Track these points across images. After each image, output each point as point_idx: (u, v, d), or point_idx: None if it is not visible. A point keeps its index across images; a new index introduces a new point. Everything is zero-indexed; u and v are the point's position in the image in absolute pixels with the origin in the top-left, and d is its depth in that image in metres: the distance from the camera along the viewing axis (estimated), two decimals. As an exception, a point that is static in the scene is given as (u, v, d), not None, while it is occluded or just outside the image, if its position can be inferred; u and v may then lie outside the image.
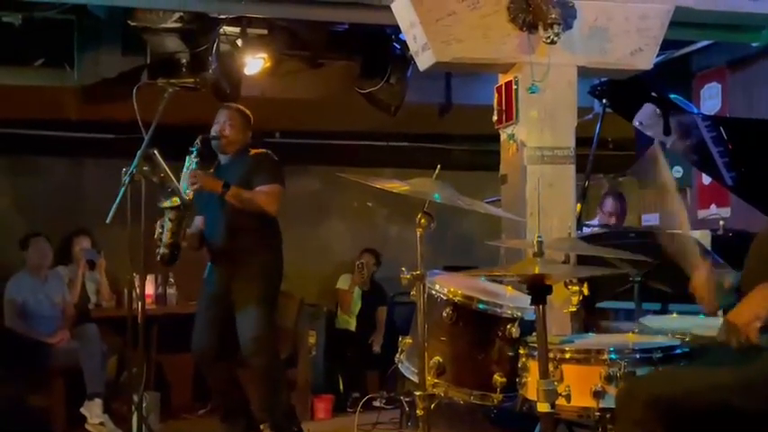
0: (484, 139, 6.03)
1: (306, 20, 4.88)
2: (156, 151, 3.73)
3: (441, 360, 2.98)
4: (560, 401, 2.51)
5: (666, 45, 4.55)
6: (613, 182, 6.50)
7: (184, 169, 4.03)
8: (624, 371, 2.52)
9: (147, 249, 3.67)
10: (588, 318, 3.80)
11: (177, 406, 5.99)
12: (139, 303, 3.79)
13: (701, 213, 5.97)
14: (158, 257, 4.01)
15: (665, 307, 3.86)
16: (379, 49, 5.45)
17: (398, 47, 5.34)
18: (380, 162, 7.11)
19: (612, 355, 2.56)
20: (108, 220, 3.48)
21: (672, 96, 4.91)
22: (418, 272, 2.87)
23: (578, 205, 4.47)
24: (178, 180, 3.93)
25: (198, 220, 4.38)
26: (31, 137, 6.46)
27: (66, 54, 5.03)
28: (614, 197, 5.73)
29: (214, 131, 4.26)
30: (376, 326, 6.58)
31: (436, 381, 2.97)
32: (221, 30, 5.06)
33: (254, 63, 5.32)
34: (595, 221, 5.78)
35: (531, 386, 2.67)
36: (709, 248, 4.10)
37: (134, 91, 3.72)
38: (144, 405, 3.86)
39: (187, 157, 4.04)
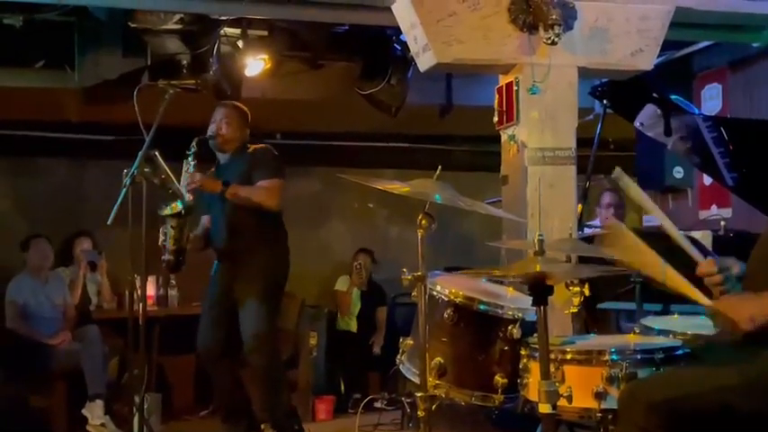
0: (485, 140, 6.03)
1: (306, 21, 4.87)
2: (156, 153, 3.73)
3: (442, 361, 2.98)
4: (562, 402, 2.51)
5: (667, 46, 4.55)
6: (615, 182, 6.49)
7: (183, 173, 4.03)
8: (626, 372, 2.52)
9: (148, 251, 3.67)
10: (589, 319, 3.79)
11: (178, 407, 5.99)
12: (141, 305, 3.79)
13: (702, 214, 5.96)
14: (164, 265, 4.01)
15: (666, 308, 3.86)
16: (380, 50, 5.44)
17: (399, 48, 5.34)
18: (381, 163, 7.11)
19: (614, 356, 2.56)
20: (109, 222, 3.48)
21: (672, 97, 4.91)
22: (419, 273, 2.87)
23: (579, 206, 4.47)
24: (178, 182, 3.93)
25: (205, 220, 4.38)
26: (32, 138, 6.46)
27: (67, 56, 5.03)
28: (612, 191, 5.75)
29: (211, 131, 4.26)
30: (376, 326, 6.58)
31: (437, 382, 2.97)
32: (222, 31, 5.06)
33: (255, 64, 5.32)
34: (596, 222, 5.78)
35: (533, 387, 2.67)
36: (710, 249, 4.10)
37: (135, 92, 3.72)
38: (145, 406, 3.86)
39: (184, 161, 4.04)
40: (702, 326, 2.85)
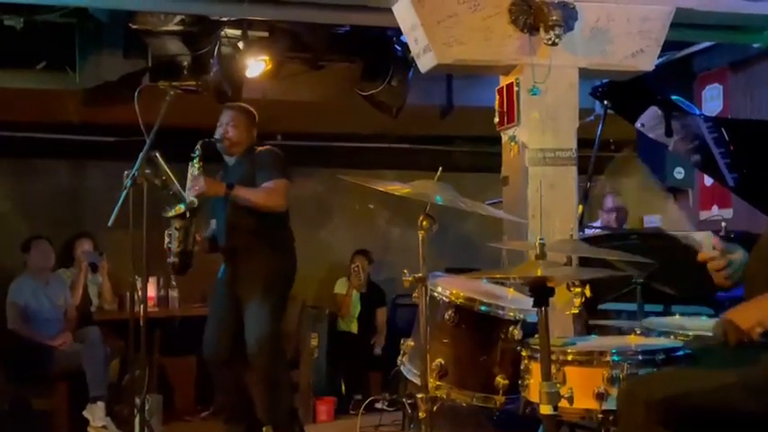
0: (485, 141, 6.03)
1: (307, 22, 4.87)
2: (157, 154, 3.74)
3: (443, 362, 2.98)
4: (563, 404, 2.50)
5: (668, 46, 4.55)
6: (616, 184, 6.49)
7: (188, 175, 4.02)
8: (627, 373, 2.52)
9: (148, 252, 3.67)
10: (590, 320, 3.79)
11: (180, 408, 6.00)
12: (141, 306, 3.79)
13: (703, 215, 5.97)
14: (170, 267, 4.00)
15: (667, 308, 3.86)
16: (381, 51, 5.44)
17: (400, 49, 5.34)
18: (382, 164, 7.11)
19: (615, 357, 2.56)
20: (110, 224, 3.48)
21: (673, 98, 4.91)
22: (420, 274, 2.87)
23: (580, 207, 4.47)
24: (180, 184, 3.92)
25: (213, 223, 4.36)
26: (33, 140, 6.47)
27: (68, 57, 5.04)
28: (615, 195, 5.76)
29: (217, 134, 4.24)
30: (377, 328, 6.58)
31: (438, 383, 2.97)
32: (222, 32, 5.06)
33: (256, 65, 5.32)
34: (597, 223, 5.78)
35: (534, 388, 2.67)
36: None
37: (136, 94, 3.72)
38: (146, 408, 3.86)
39: (189, 164, 4.02)
40: (703, 327, 2.85)
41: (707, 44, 5.51)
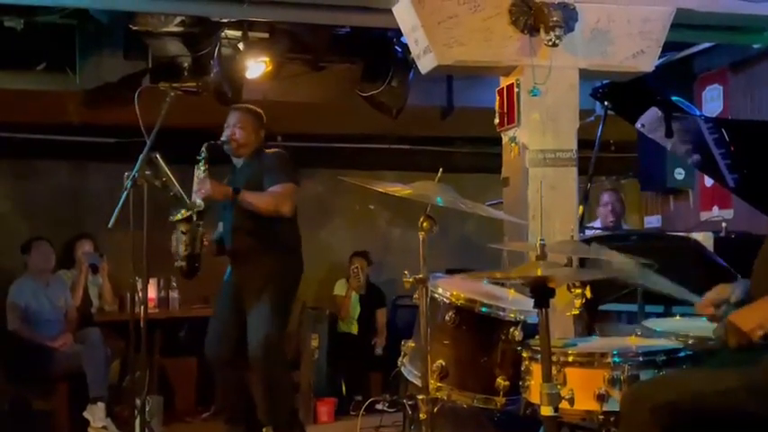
0: (486, 142, 6.03)
1: (307, 23, 4.87)
2: (158, 155, 3.73)
3: (444, 363, 2.97)
4: (564, 405, 2.50)
5: (668, 47, 4.55)
6: (615, 184, 6.51)
7: (195, 179, 4.01)
8: (628, 374, 2.52)
9: (149, 253, 3.67)
10: (591, 320, 3.79)
11: (180, 409, 6.00)
12: (142, 307, 3.79)
13: (704, 215, 5.97)
14: (179, 272, 4.00)
15: (667, 309, 3.86)
16: (381, 52, 5.44)
17: (400, 50, 5.34)
18: (382, 165, 7.12)
19: (616, 359, 2.56)
20: (110, 225, 3.48)
21: (674, 98, 4.91)
22: (421, 275, 2.87)
23: (580, 207, 4.47)
24: (181, 185, 3.91)
25: (221, 226, 4.34)
26: (34, 141, 6.47)
27: (68, 58, 5.04)
28: (613, 192, 5.78)
29: (224, 136, 4.21)
30: (377, 328, 6.58)
31: (439, 384, 2.96)
32: (223, 33, 5.06)
33: (256, 66, 5.32)
34: (597, 223, 5.79)
35: (535, 390, 2.67)
36: (712, 250, 4.10)
37: (136, 95, 3.72)
38: (147, 409, 3.86)
39: (195, 166, 4.00)
40: (704, 328, 2.84)
41: (707, 45, 5.51)
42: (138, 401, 3.79)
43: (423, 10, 3.92)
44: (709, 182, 5.82)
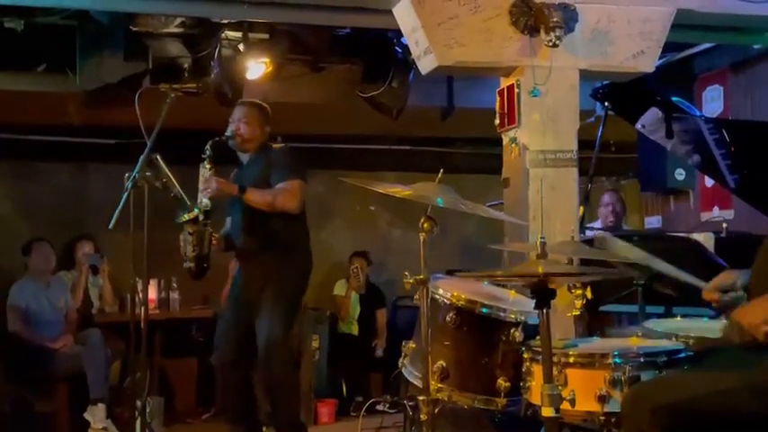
0: (486, 143, 6.03)
1: (308, 24, 4.87)
2: (158, 156, 3.73)
3: (444, 364, 2.97)
4: (565, 406, 2.50)
5: (668, 47, 4.55)
6: (616, 184, 6.51)
7: (200, 177, 3.99)
8: (629, 375, 2.52)
9: (149, 254, 3.67)
10: (592, 321, 3.79)
11: (181, 411, 6.00)
12: (142, 308, 3.79)
13: (704, 216, 5.96)
14: (187, 272, 3.98)
15: (668, 310, 3.85)
16: (382, 53, 5.44)
17: (400, 51, 5.34)
18: (383, 166, 7.12)
19: (617, 360, 2.56)
20: (110, 226, 3.48)
21: (674, 99, 4.91)
22: (421, 276, 2.87)
23: (581, 208, 4.47)
24: (182, 186, 3.91)
25: (229, 221, 4.30)
26: (34, 142, 6.47)
27: (69, 59, 5.04)
28: (613, 192, 5.78)
29: (229, 131, 4.18)
30: (377, 329, 6.58)
31: (440, 385, 2.96)
32: (223, 34, 5.06)
33: (257, 67, 5.32)
34: (598, 224, 5.78)
35: (536, 391, 2.67)
36: (713, 251, 4.10)
37: (136, 96, 3.72)
38: (147, 410, 3.86)
39: (200, 165, 3.99)
40: (705, 328, 2.84)
41: (707, 45, 5.51)
42: (138, 403, 3.79)
43: (423, 11, 3.92)
44: (709, 182, 5.82)
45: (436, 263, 3.05)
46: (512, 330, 2.95)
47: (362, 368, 6.33)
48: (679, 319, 3.23)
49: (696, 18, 4.34)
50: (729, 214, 5.66)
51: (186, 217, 3.87)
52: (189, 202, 3.90)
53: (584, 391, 2.56)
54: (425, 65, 4.10)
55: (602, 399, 2.54)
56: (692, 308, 3.51)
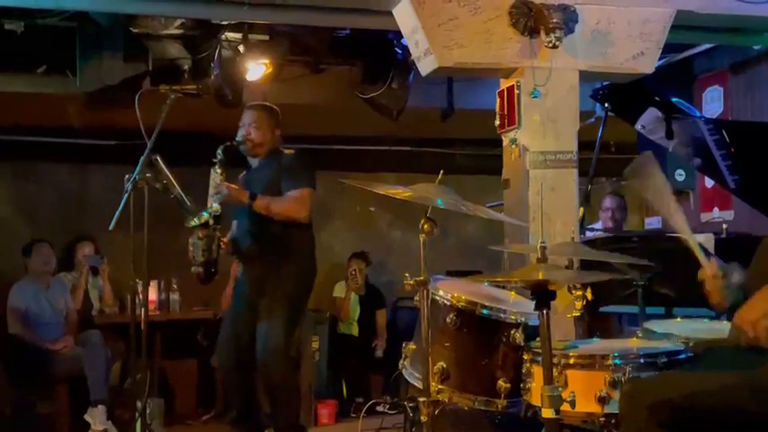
0: (486, 144, 6.03)
1: (308, 25, 4.87)
2: (158, 157, 3.73)
3: (445, 366, 2.97)
4: (565, 407, 2.50)
5: (668, 48, 4.55)
6: (615, 185, 6.50)
7: (211, 181, 3.98)
8: (629, 376, 2.52)
9: (149, 255, 3.67)
10: (592, 322, 3.79)
11: (181, 412, 6.00)
12: (142, 309, 3.79)
13: (704, 217, 5.96)
14: (195, 277, 3.98)
15: (669, 311, 3.86)
16: (381, 54, 5.44)
17: (400, 52, 5.34)
18: (383, 167, 7.12)
19: (617, 361, 2.56)
20: (110, 228, 3.48)
21: (674, 100, 4.91)
22: (422, 277, 2.87)
23: (581, 209, 4.47)
24: (182, 188, 3.90)
25: (235, 224, 4.29)
26: (34, 143, 6.48)
27: (69, 61, 5.03)
28: (613, 195, 5.77)
29: (239, 136, 4.16)
30: (377, 330, 6.58)
31: (440, 386, 2.96)
32: (223, 36, 5.06)
33: (257, 69, 5.32)
34: (598, 225, 5.78)
35: (536, 392, 2.67)
36: (713, 252, 4.09)
37: (136, 97, 3.72)
38: (148, 411, 3.87)
39: (212, 169, 3.97)
40: (705, 329, 2.85)
41: (707, 46, 5.50)
42: (138, 404, 3.80)
43: (423, 12, 3.93)
44: (709, 183, 5.82)
45: (436, 264, 3.05)
46: (512, 331, 2.94)
47: (363, 369, 6.33)
48: (679, 320, 3.23)
49: (696, 19, 4.34)
50: (729, 215, 5.65)
51: (196, 222, 3.86)
52: (189, 204, 3.89)
53: (584, 393, 2.56)
54: (425, 66, 4.10)
55: (603, 400, 2.54)
56: (692, 309, 3.51)
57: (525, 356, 2.80)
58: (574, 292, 2.98)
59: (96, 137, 6.49)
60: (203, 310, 6.17)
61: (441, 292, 3.02)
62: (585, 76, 4.17)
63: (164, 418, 5.29)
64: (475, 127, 5.66)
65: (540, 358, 2.57)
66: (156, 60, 5.08)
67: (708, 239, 4.27)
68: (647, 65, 4.20)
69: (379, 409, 5.50)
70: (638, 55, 4.16)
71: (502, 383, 2.94)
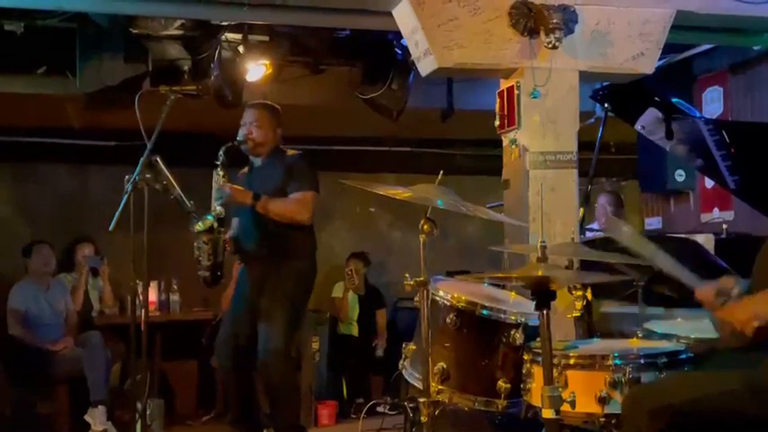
0: (486, 144, 6.04)
1: (307, 26, 4.87)
2: (158, 158, 3.72)
3: (445, 366, 2.97)
4: (565, 407, 2.50)
5: (668, 49, 4.55)
6: (615, 186, 6.51)
7: (213, 183, 3.97)
8: (629, 376, 2.52)
9: (149, 256, 3.66)
10: (592, 323, 3.79)
11: (181, 413, 5.99)
12: (143, 310, 3.78)
13: (704, 217, 5.96)
14: (201, 281, 3.97)
15: (669, 311, 3.85)
16: (381, 54, 5.44)
17: (400, 52, 5.34)
18: (383, 167, 7.12)
19: (617, 361, 2.56)
20: (110, 229, 3.48)
21: (674, 100, 4.91)
22: (422, 278, 2.87)
23: (581, 209, 4.47)
24: (182, 188, 3.90)
25: (236, 222, 4.27)
26: (34, 144, 6.48)
27: (69, 62, 5.03)
28: (607, 194, 5.78)
29: (240, 135, 4.15)
30: (377, 329, 6.57)
31: (440, 387, 2.96)
32: (223, 36, 5.06)
33: (256, 69, 5.32)
34: (595, 225, 5.78)
35: (536, 392, 2.67)
36: (713, 252, 4.10)
37: (136, 98, 3.72)
38: (148, 412, 3.86)
39: (214, 171, 3.97)
40: (706, 330, 2.84)
41: (707, 46, 5.51)
42: (138, 405, 3.79)
43: (423, 12, 3.93)
44: (709, 183, 5.82)
45: (436, 264, 3.05)
46: (512, 332, 2.95)
47: (363, 370, 6.33)
48: (680, 320, 3.24)
49: (696, 19, 4.34)
50: (729, 215, 5.66)
51: (201, 226, 3.85)
52: (189, 204, 3.89)
53: (584, 393, 2.57)
54: (425, 66, 4.10)
55: (603, 400, 2.54)
56: (692, 309, 3.51)
57: (525, 357, 2.80)
58: (574, 292, 2.98)
59: (96, 138, 6.49)
60: (203, 311, 6.17)
61: (441, 293, 3.02)
62: (585, 77, 4.17)
63: (164, 419, 5.27)
64: (475, 127, 5.66)
65: (540, 358, 2.57)
66: (156, 61, 5.08)
67: (708, 240, 4.27)
68: (647, 65, 4.20)
69: (380, 409, 5.50)
70: (638, 55, 4.17)
71: (502, 384, 2.94)
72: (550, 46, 3.87)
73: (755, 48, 5.28)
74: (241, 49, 5.19)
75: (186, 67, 5.05)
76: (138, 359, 3.77)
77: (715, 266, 3.89)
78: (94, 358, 5.18)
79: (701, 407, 2.24)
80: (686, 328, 2.95)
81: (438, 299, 3.01)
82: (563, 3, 3.92)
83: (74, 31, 4.97)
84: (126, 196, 3.57)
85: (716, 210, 5.86)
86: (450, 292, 3.03)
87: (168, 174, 3.78)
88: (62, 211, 6.58)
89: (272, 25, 5.06)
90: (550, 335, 2.44)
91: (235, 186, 4.03)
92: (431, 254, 2.90)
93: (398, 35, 4.48)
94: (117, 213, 3.52)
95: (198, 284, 4.15)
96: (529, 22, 3.91)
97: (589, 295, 2.94)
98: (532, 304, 2.48)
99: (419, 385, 2.97)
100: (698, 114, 5.30)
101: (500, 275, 3.19)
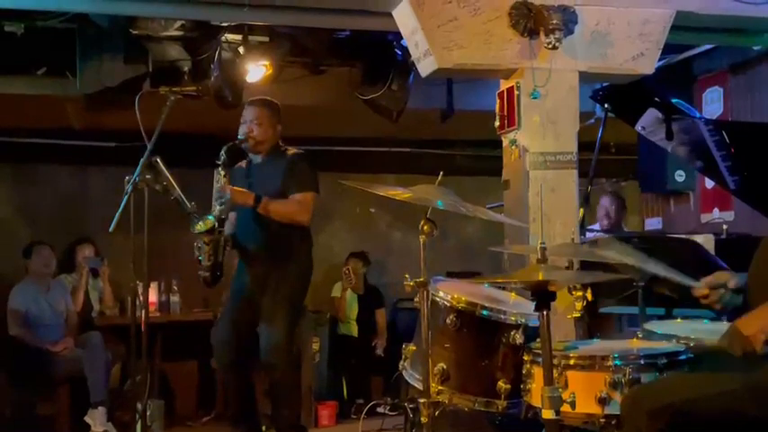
0: (486, 145, 6.03)
1: (307, 27, 4.88)
2: (158, 159, 3.73)
3: (445, 367, 2.97)
4: (565, 408, 2.50)
5: (668, 49, 4.55)
6: (615, 186, 6.51)
7: (214, 183, 3.98)
8: (629, 377, 2.52)
9: (149, 257, 3.67)
10: (592, 323, 3.79)
11: (181, 414, 6.00)
12: (143, 311, 3.79)
13: (704, 217, 5.96)
14: (201, 281, 3.98)
15: (669, 312, 3.85)
16: (381, 55, 5.45)
17: (400, 53, 5.35)
18: (383, 168, 7.11)
19: (617, 362, 2.56)
20: (111, 229, 3.48)
21: (674, 100, 4.91)
22: (422, 278, 2.87)
23: (581, 210, 4.47)
24: (182, 189, 3.89)
25: (232, 217, 4.25)
26: (34, 145, 6.48)
27: (69, 63, 5.03)
28: (610, 195, 5.78)
29: (241, 133, 4.15)
30: (377, 329, 6.57)
31: (440, 387, 2.96)
32: (223, 37, 5.06)
33: (256, 70, 5.32)
34: (596, 226, 5.78)
35: (536, 393, 2.67)
36: (713, 252, 4.10)
37: (136, 99, 3.72)
38: (148, 413, 3.87)
39: (215, 171, 3.97)
40: (706, 330, 2.84)
41: (707, 47, 5.51)
42: (139, 406, 3.80)
43: (422, 13, 3.93)
44: (709, 184, 5.82)
45: (436, 265, 3.05)
46: (512, 332, 2.95)
47: (363, 370, 6.33)
48: (679, 320, 3.23)
49: (696, 20, 4.34)
50: (729, 216, 5.66)
51: (202, 227, 3.85)
52: (189, 205, 3.88)
53: (584, 394, 2.57)
54: (425, 67, 4.11)
55: (603, 401, 2.54)
56: (692, 310, 3.51)
57: (525, 357, 2.80)
58: (574, 292, 2.98)
59: (96, 138, 6.49)
60: (204, 312, 6.16)
61: (441, 294, 3.02)
62: (585, 77, 4.17)
63: (164, 420, 5.29)
64: (475, 128, 5.66)
65: (540, 359, 2.57)
66: (156, 62, 5.09)
67: (708, 240, 4.27)
68: (647, 66, 4.20)
69: (380, 410, 5.50)
70: (638, 56, 4.17)
71: (502, 384, 2.94)
72: (550, 46, 3.87)
73: (755, 48, 5.28)
74: (241, 49, 5.20)
75: (186, 68, 5.05)
76: (138, 360, 3.77)
77: (715, 267, 3.89)
78: (95, 359, 5.18)
79: (701, 407, 2.24)
80: (686, 328, 2.95)
81: (438, 299, 3.01)
82: (563, 3, 3.92)
83: (74, 32, 4.97)
84: (126, 197, 3.57)
85: (716, 210, 5.86)
86: (450, 292, 3.03)
87: (168, 174, 3.78)
88: (62, 212, 6.58)
89: (272, 26, 5.06)
90: (550, 335, 2.44)
91: (235, 188, 4.03)
92: (431, 254, 2.90)
93: (398, 36, 4.48)
94: (117, 214, 3.52)
95: (198, 285, 4.15)
96: (529, 22, 3.91)
97: (589, 296, 2.93)
98: (532, 305, 2.48)
99: (419, 386, 2.97)
100: (698, 115, 5.30)
101: (500, 279, 3.18)
